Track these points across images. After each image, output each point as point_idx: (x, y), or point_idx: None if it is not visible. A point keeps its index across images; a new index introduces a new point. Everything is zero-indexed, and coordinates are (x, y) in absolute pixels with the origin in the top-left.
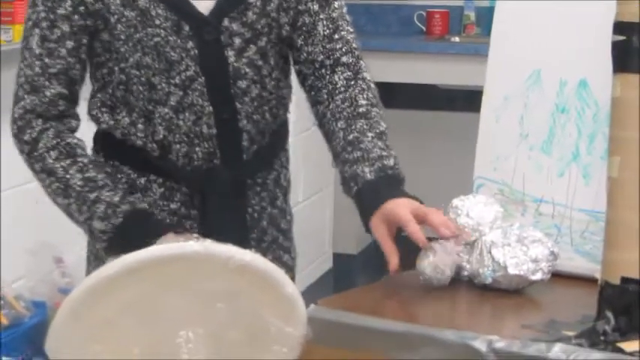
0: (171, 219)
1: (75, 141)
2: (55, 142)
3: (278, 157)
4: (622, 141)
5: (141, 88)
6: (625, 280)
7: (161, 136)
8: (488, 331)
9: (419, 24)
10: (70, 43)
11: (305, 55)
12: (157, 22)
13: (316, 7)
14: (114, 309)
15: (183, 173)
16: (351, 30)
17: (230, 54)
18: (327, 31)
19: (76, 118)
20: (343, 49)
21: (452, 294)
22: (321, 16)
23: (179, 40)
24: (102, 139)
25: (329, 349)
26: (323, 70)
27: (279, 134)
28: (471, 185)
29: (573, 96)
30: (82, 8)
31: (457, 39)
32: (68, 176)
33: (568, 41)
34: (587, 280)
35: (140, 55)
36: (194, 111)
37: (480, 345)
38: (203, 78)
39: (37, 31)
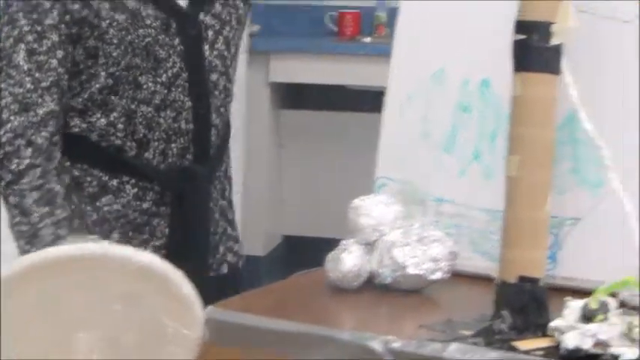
0: (142, 218)
1: (57, 188)
2: (39, 183)
3: (226, 148)
4: (521, 140)
5: (127, 87)
6: (522, 279)
7: (141, 135)
8: (387, 331)
9: (330, 25)
10: (60, 53)
11: None
12: (148, 22)
13: None
14: (14, 310)
15: (157, 171)
16: None
17: (205, 47)
18: None
19: (60, 146)
20: None
21: (352, 294)
22: None
23: (167, 38)
24: (71, 142)
25: (226, 349)
26: None
27: (228, 126)
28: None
29: (475, 95)
30: (68, 17)
31: (368, 39)
32: (41, 225)
33: (471, 41)
34: (486, 280)
35: (130, 56)
36: (175, 108)
37: (377, 345)
38: (186, 73)
39: (21, 46)
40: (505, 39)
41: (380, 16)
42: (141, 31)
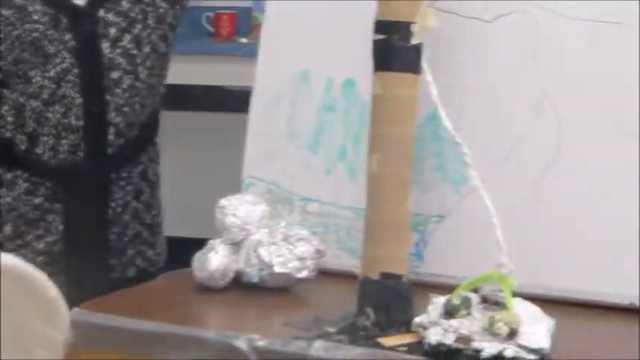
0: (34, 213)
1: None
2: None
3: (146, 150)
4: (382, 138)
5: (17, 81)
6: (384, 276)
7: (31, 129)
8: (254, 330)
9: (207, 25)
10: None
11: None
12: (35, 17)
13: None
14: None
15: (48, 167)
16: None
17: (105, 45)
18: None
19: None
20: None
21: (219, 294)
22: None
23: (57, 34)
24: None
25: (92, 351)
26: None
27: (147, 127)
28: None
29: (340, 95)
30: None
31: (245, 40)
32: None
33: (335, 41)
34: (352, 277)
35: (18, 51)
36: (64, 103)
37: (242, 344)
38: (78, 70)
39: None
40: (368, 39)
41: (256, 17)
42: (27, 26)
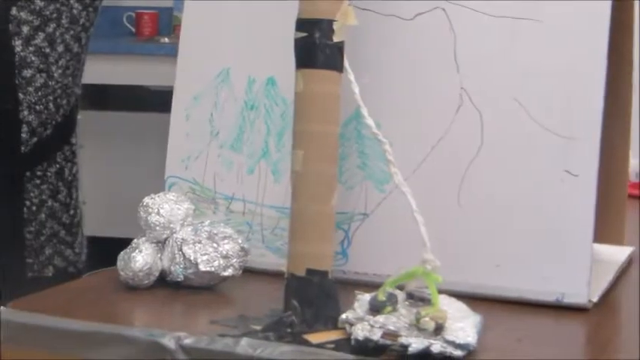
0: None
1: None
2: None
3: (62, 150)
4: (305, 135)
5: None
6: (310, 272)
7: None
8: (180, 328)
9: (128, 25)
10: None
11: None
12: None
13: None
14: None
15: None
16: None
17: (17, 43)
18: None
19: None
20: None
21: (144, 293)
22: None
23: None
24: None
25: (21, 351)
26: None
27: (63, 127)
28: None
29: (262, 94)
30: None
31: (167, 40)
32: None
33: (256, 40)
34: (278, 276)
35: None
36: None
37: (168, 342)
38: None
39: None
40: (289, 37)
41: (178, 17)
42: None
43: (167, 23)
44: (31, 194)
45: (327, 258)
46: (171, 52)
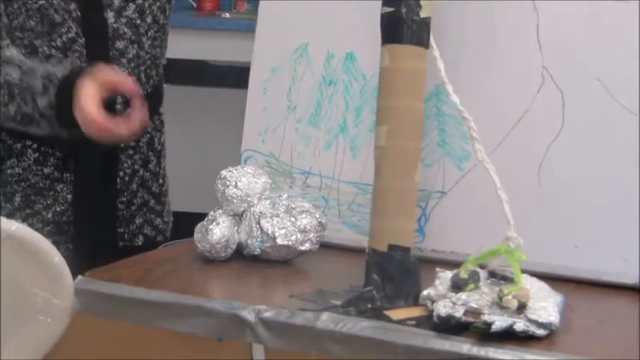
0: (44, 182)
1: (8, 50)
2: None
3: (152, 119)
4: (390, 110)
5: (23, 50)
6: (392, 248)
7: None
8: (258, 301)
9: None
10: None
11: None
12: None
13: None
14: None
15: (57, 137)
16: None
17: (110, 15)
18: None
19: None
20: None
21: (221, 265)
22: None
23: (62, 3)
24: None
25: (97, 319)
26: None
27: (152, 97)
28: (240, 158)
29: (340, 69)
30: None
31: (228, 15)
32: (9, 78)
33: (335, 15)
34: (354, 252)
35: (24, 17)
36: None
37: (248, 315)
38: (83, 39)
39: None
40: (368, 12)
41: None
42: None
43: None
44: (125, 164)
45: (409, 234)
46: (232, 27)
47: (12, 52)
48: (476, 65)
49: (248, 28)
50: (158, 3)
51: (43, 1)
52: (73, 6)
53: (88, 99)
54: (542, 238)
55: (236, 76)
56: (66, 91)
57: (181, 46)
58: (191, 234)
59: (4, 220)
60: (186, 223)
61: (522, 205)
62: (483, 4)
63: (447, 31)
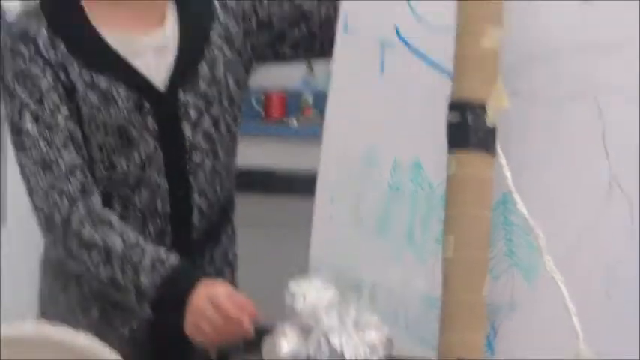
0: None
1: (107, 212)
2: (87, 215)
3: (225, 230)
4: (456, 219)
5: (102, 169)
6: None
7: (117, 214)
8: None
9: (257, 107)
10: (64, 109)
11: (290, 44)
12: (119, 102)
13: (255, 23)
14: None
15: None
16: None
17: (186, 127)
18: (283, 14)
19: (98, 193)
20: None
21: None
22: (269, 15)
23: (140, 118)
24: None
25: None
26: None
27: (226, 207)
28: (308, 270)
29: (407, 177)
30: (60, 82)
31: (295, 122)
32: (109, 243)
33: (401, 122)
34: None
35: (103, 136)
36: (151, 188)
37: None
38: (162, 154)
39: (26, 114)
40: (435, 119)
41: (306, 98)
42: (112, 110)
43: (295, 105)
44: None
45: (479, 348)
46: (300, 134)
47: (112, 217)
48: (542, 172)
49: (315, 135)
50: (230, 112)
51: (122, 119)
52: (151, 121)
53: (224, 292)
54: (610, 350)
55: (304, 184)
56: (177, 281)
57: (249, 153)
58: (260, 346)
59: (73, 333)
60: (256, 334)
61: (591, 316)
62: (548, 109)
63: (512, 138)
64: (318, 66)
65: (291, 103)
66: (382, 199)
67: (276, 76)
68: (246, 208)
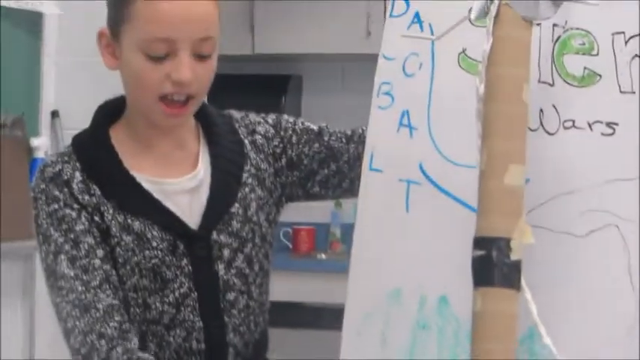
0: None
1: (144, 355)
2: (125, 358)
3: None
4: (484, 355)
5: (137, 309)
6: None
7: (152, 353)
8: None
9: (285, 241)
10: (100, 252)
11: (320, 181)
12: (154, 243)
13: (286, 162)
14: None
15: None
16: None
17: (220, 267)
18: (313, 153)
19: (135, 334)
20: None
21: None
22: (300, 155)
23: (174, 259)
24: None
25: None
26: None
27: (260, 344)
28: None
29: (434, 312)
30: (94, 224)
31: (324, 256)
32: None
33: (428, 256)
34: None
35: (137, 277)
36: (185, 327)
37: None
38: (196, 294)
39: (62, 257)
40: (461, 255)
41: (334, 232)
42: (147, 252)
43: (324, 239)
44: None
45: None
46: (328, 269)
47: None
48: (569, 306)
49: (344, 269)
50: (263, 250)
51: (157, 260)
52: (184, 262)
53: None
54: None
55: (332, 318)
56: None
57: (277, 288)
58: None
59: None
60: None
61: None
62: (574, 243)
63: (535, 271)
64: (346, 200)
65: (320, 236)
66: (409, 335)
67: (305, 210)
68: (276, 341)
